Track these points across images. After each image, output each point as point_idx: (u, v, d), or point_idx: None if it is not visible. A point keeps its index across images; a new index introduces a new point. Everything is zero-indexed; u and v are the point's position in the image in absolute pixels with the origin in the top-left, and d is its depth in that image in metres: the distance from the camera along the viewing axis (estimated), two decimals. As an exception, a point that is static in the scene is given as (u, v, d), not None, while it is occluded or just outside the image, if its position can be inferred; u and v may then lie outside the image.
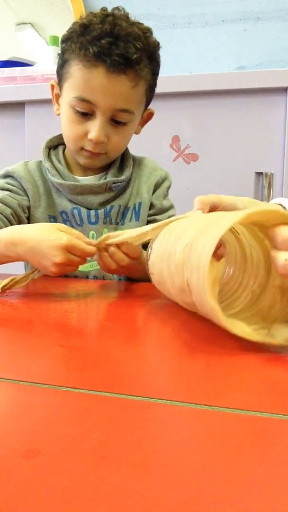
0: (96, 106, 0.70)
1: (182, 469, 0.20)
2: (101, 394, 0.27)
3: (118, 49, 0.66)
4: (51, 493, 0.18)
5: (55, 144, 0.86)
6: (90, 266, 0.80)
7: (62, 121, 0.77)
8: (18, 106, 1.42)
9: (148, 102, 0.80)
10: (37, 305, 0.55)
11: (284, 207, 0.59)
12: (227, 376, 0.32)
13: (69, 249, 0.55)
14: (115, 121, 0.73)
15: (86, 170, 0.83)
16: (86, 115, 0.72)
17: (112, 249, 0.60)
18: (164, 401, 0.26)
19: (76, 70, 0.70)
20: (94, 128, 0.71)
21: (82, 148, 0.76)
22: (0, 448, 0.21)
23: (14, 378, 0.30)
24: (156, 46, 0.73)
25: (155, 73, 0.76)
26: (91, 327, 0.46)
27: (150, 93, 0.78)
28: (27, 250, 0.58)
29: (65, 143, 0.81)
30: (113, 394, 0.27)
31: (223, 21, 1.72)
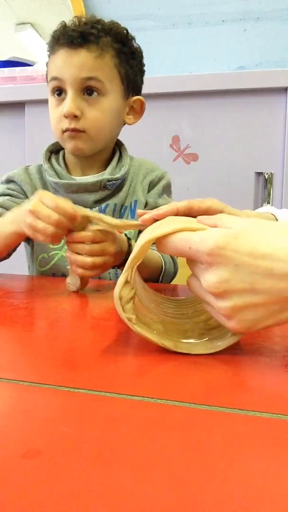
0: (64, 82, 0.75)
1: (182, 469, 0.20)
2: (101, 394, 0.27)
3: (77, 29, 0.73)
4: (51, 493, 0.18)
5: (58, 149, 0.88)
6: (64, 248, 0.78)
7: (49, 114, 0.80)
8: (18, 106, 1.42)
9: (123, 79, 0.79)
10: (37, 305, 0.55)
11: (274, 215, 0.59)
12: (227, 376, 0.32)
13: (35, 214, 0.58)
14: (87, 94, 0.76)
15: (85, 170, 0.83)
16: (60, 94, 0.76)
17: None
18: (164, 401, 0.26)
19: (49, 61, 0.78)
20: (66, 103, 0.75)
21: (63, 132, 0.77)
22: (0, 448, 0.21)
23: (14, 378, 0.30)
24: (123, 32, 0.78)
25: (124, 52, 0.78)
26: (91, 327, 0.46)
27: (124, 70, 0.78)
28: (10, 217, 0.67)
29: (54, 136, 0.82)
30: (113, 394, 0.27)
31: (223, 21, 1.72)
